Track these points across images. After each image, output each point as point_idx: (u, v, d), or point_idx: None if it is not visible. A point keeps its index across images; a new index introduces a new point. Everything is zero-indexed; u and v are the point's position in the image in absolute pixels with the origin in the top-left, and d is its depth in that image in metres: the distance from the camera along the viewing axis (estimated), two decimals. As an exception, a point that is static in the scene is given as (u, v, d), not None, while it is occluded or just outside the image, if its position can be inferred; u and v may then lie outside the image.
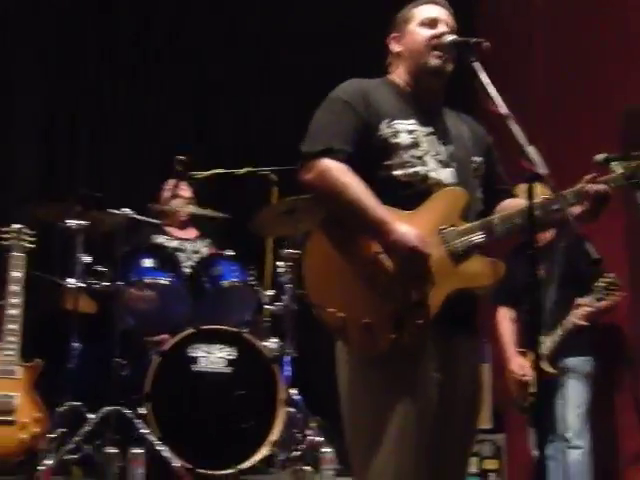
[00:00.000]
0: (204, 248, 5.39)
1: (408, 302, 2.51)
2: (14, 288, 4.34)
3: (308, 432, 4.67)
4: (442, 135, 2.73)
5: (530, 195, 2.41)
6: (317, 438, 4.67)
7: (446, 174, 2.67)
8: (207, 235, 5.52)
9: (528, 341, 4.69)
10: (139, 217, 4.85)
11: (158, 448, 4.18)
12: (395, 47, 2.83)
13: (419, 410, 2.50)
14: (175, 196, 5.37)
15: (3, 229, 4.48)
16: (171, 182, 5.37)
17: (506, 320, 4.97)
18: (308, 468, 4.37)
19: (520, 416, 4.82)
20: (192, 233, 5.52)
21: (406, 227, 2.51)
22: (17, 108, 6.08)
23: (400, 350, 2.50)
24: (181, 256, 5.10)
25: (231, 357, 4.55)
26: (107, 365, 4.46)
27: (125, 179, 6.32)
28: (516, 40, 5.93)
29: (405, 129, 2.67)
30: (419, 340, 2.51)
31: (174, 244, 5.32)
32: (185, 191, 5.41)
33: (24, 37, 6.27)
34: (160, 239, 5.29)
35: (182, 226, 5.49)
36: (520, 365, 4.71)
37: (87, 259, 4.62)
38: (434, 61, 2.71)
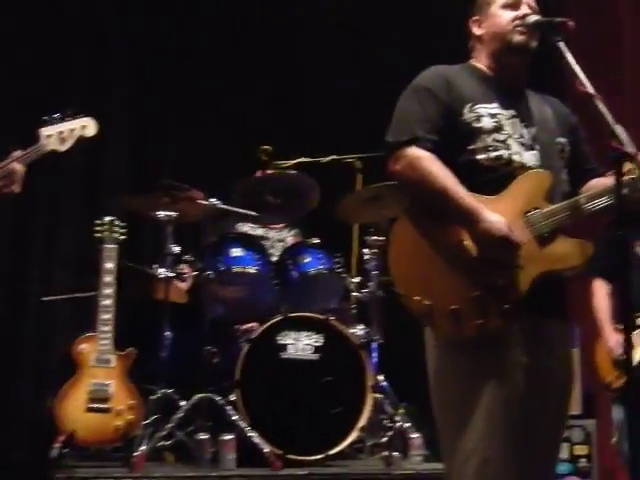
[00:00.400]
0: (290, 237, 5.39)
1: (494, 287, 2.47)
2: (107, 279, 4.42)
3: (396, 418, 4.65)
4: (525, 118, 2.68)
5: (618, 173, 2.34)
6: (405, 424, 4.65)
7: (530, 157, 2.62)
8: (295, 225, 5.52)
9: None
10: (227, 207, 4.86)
11: (248, 434, 4.21)
12: (476, 30, 2.79)
13: (507, 395, 2.46)
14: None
15: (96, 222, 4.57)
16: (259, 172, 5.38)
17: (602, 294, 4.59)
18: (396, 454, 4.34)
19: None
20: (279, 226, 5.52)
21: (496, 216, 2.48)
22: (106, 102, 6.18)
23: (487, 335, 2.47)
24: (265, 244, 5.12)
25: (318, 344, 4.54)
26: (198, 353, 4.51)
27: (210, 169, 6.38)
28: (604, 18, 5.78)
29: (487, 113, 2.63)
30: (506, 325, 2.47)
31: (259, 232, 5.33)
32: None
33: (116, 36, 6.40)
34: (245, 227, 5.31)
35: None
36: (617, 344, 4.35)
37: (176, 249, 4.67)
38: (518, 37, 2.67)
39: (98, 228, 4.54)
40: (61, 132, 3.45)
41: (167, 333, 4.53)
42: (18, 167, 3.23)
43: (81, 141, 3.55)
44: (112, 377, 4.25)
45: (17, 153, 3.26)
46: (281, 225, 5.48)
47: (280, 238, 5.36)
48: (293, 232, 5.45)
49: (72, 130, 3.49)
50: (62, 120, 3.48)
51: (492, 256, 2.47)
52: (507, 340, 2.49)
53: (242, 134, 6.49)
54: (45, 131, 3.42)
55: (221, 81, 6.62)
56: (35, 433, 5.25)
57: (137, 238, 5.48)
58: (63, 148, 3.47)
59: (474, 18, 2.79)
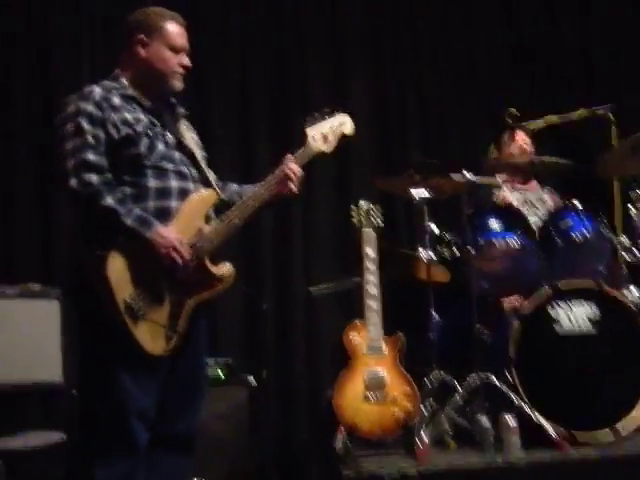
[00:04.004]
0: (546, 195, 5.03)
1: None
2: (369, 265, 4.19)
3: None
4: None
5: None
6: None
7: None
8: (548, 184, 5.12)
9: None
10: (479, 179, 4.51)
11: (530, 414, 3.90)
12: None
13: None
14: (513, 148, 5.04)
15: (352, 207, 4.37)
16: (507, 134, 5.02)
17: None
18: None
19: None
20: (533, 186, 5.15)
21: None
22: (347, 88, 6.00)
23: None
24: (524, 208, 4.77)
25: (594, 313, 4.14)
26: (465, 332, 4.22)
27: (457, 139, 6.06)
28: None
29: None
30: None
31: (516, 195, 4.99)
32: (523, 141, 5.04)
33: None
34: (504, 193, 4.98)
35: (523, 179, 5.13)
36: None
37: (434, 227, 4.40)
38: None
39: (354, 214, 4.34)
40: (323, 132, 3.41)
41: (434, 314, 4.28)
42: (296, 168, 3.28)
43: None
44: (385, 364, 4.04)
45: (290, 157, 3.29)
46: (534, 184, 5.13)
47: (539, 197, 5.00)
48: (547, 189, 5.10)
49: (332, 129, 3.43)
50: (321, 119, 3.43)
51: None
52: None
53: (485, 99, 6.13)
54: (310, 132, 3.39)
55: (455, 40, 6.30)
56: (315, 423, 5.20)
57: (392, 218, 5.29)
58: (328, 149, 3.42)
59: None
